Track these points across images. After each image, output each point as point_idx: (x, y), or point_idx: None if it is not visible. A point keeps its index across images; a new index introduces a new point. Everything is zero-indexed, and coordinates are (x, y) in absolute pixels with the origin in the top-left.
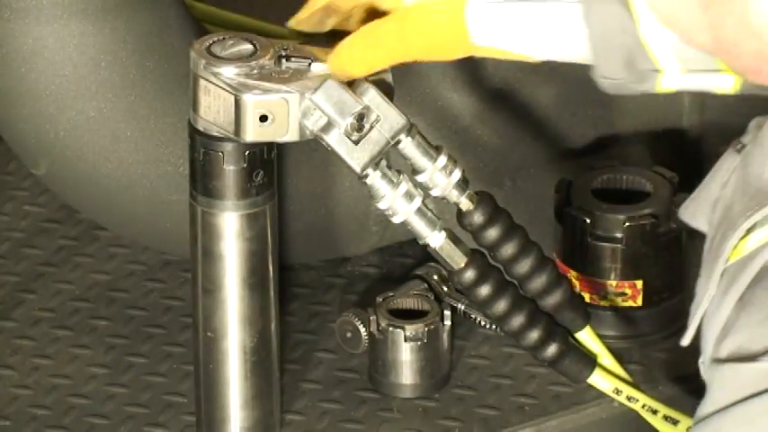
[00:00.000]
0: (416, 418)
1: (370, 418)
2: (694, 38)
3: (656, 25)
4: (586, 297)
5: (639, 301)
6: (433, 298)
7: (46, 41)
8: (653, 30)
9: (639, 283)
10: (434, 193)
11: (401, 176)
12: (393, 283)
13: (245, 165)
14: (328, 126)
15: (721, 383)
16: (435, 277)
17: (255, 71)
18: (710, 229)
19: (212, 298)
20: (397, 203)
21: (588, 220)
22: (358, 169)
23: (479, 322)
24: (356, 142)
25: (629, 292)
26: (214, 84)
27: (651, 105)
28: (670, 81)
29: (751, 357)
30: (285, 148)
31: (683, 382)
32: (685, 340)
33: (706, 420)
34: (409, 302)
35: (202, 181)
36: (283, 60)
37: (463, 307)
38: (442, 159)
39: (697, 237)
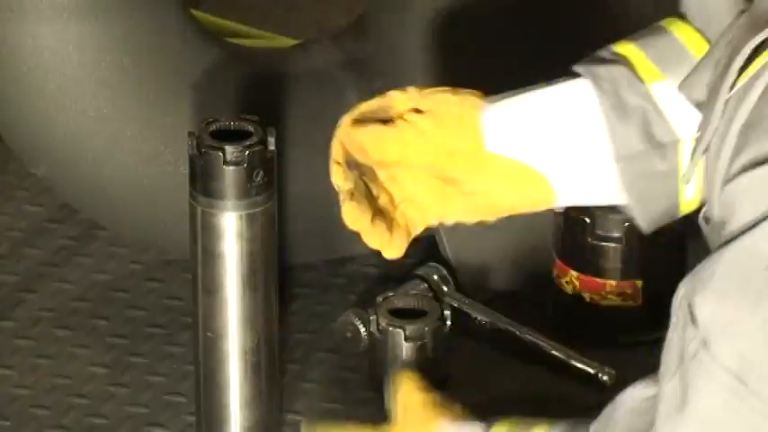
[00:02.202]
0: None
1: (370, 419)
2: None
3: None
4: (586, 297)
5: (639, 301)
6: (432, 298)
7: (46, 41)
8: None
9: (639, 283)
10: None
11: None
12: (393, 283)
13: (246, 165)
14: None
15: (742, 197)
16: (435, 277)
17: None
18: (714, 70)
19: (212, 298)
20: None
21: (588, 220)
22: None
23: (479, 322)
24: None
25: (629, 291)
26: None
27: None
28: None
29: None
30: (285, 148)
31: None
32: (687, 177)
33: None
34: (409, 302)
35: (202, 181)
36: None
37: (463, 307)
38: None
39: (698, 237)
